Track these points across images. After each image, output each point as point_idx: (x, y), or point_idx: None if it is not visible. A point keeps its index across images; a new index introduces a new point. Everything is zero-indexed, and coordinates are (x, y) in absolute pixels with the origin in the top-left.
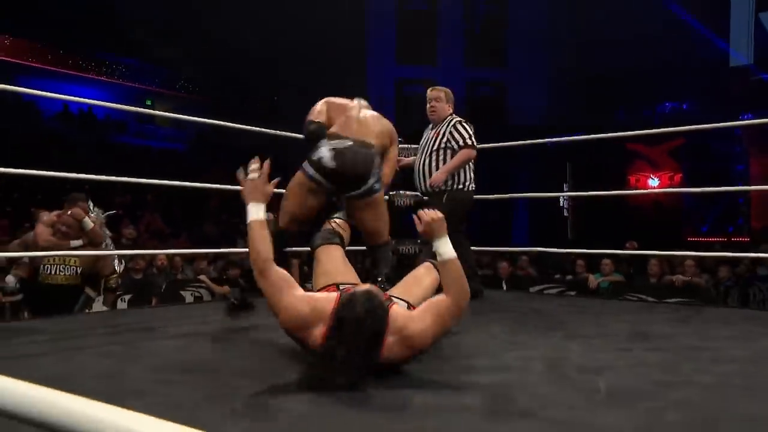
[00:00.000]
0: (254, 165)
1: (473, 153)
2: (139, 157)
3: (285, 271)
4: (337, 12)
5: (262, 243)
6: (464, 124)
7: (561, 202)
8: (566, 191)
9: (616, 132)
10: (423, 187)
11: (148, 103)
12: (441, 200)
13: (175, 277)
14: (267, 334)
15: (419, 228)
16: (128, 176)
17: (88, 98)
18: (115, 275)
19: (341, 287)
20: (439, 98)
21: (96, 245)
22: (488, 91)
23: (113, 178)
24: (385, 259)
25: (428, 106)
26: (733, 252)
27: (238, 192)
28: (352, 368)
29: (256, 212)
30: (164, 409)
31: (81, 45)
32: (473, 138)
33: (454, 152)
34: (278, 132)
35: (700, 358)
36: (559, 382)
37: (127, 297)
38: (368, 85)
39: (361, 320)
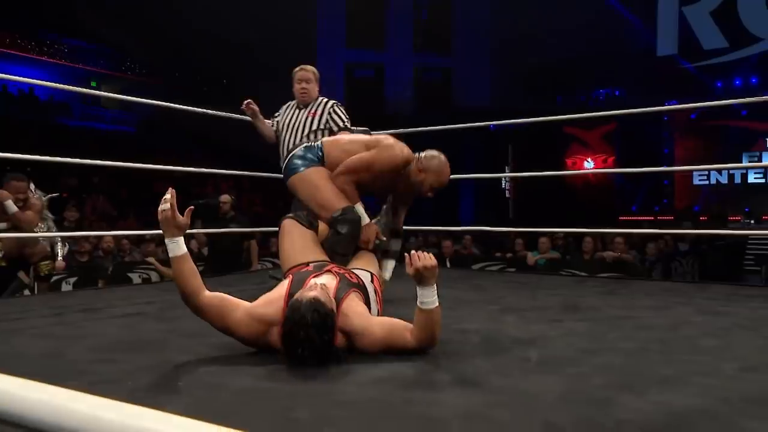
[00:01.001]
0: (166, 196)
1: None
2: (84, 140)
3: (217, 295)
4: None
5: (185, 280)
6: (341, 107)
7: (503, 184)
8: (508, 173)
9: (554, 116)
10: None
11: (93, 84)
12: None
13: (123, 260)
14: None
15: (408, 270)
16: (73, 158)
17: (30, 78)
18: (47, 261)
19: (294, 276)
20: (309, 79)
21: (23, 230)
22: (435, 77)
23: (57, 159)
24: (334, 235)
25: (298, 86)
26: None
27: (188, 174)
28: (313, 362)
29: (173, 248)
30: (104, 387)
31: (22, 24)
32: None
33: (333, 134)
34: (229, 114)
35: (623, 326)
36: (495, 352)
37: (72, 280)
38: (318, 69)
39: (307, 329)
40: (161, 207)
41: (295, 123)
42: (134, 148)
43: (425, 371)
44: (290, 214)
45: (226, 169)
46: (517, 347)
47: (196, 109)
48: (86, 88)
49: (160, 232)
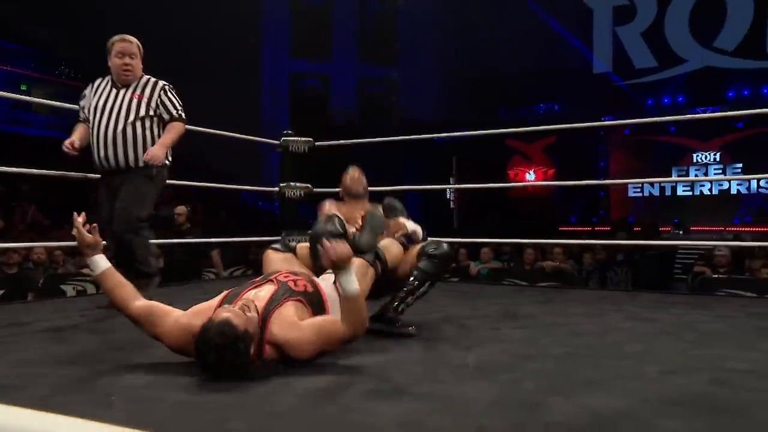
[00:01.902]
0: (76, 219)
1: (184, 127)
2: (12, 145)
3: (147, 304)
4: (231, 4)
5: (113, 294)
6: (174, 91)
7: (447, 195)
8: (452, 184)
9: (496, 129)
10: (116, 158)
11: (23, 88)
12: (148, 178)
13: (55, 272)
14: None
15: (324, 261)
16: None
17: None
18: None
19: (232, 291)
20: (133, 53)
21: None
22: (380, 88)
23: None
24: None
25: (119, 62)
26: (594, 240)
27: None
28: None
29: (93, 267)
30: (30, 402)
31: None
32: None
33: (162, 122)
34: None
35: (557, 333)
36: (433, 359)
37: None
38: (262, 78)
39: (216, 352)
40: (73, 231)
41: (113, 106)
42: (67, 154)
43: (362, 380)
44: (271, 246)
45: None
46: (454, 354)
47: None
48: (15, 92)
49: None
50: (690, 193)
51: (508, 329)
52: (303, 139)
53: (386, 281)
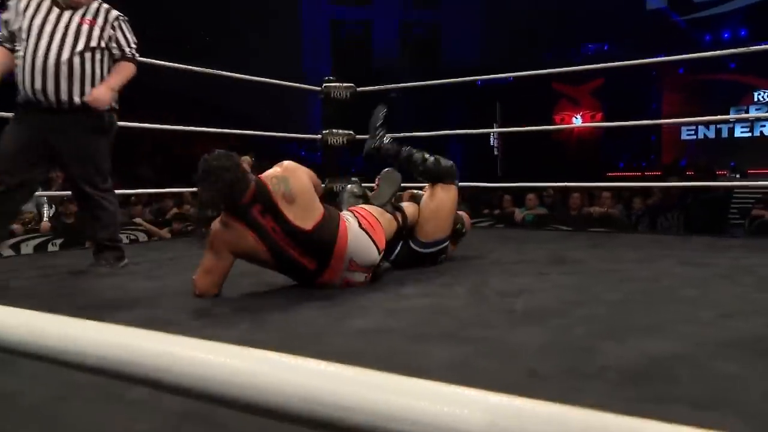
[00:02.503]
0: None
1: (135, 70)
2: None
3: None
4: None
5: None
6: (128, 24)
7: (491, 141)
8: (496, 129)
9: (541, 71)
10: (57, 94)
11: None
12: (99, 131)
13: None
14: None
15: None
16: None
17: None
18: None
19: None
20: None
21: None
22: (423, 32)
23: None
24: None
25: None
26: (644, 183)
27: (172, 133)
28: (213, 207)
29: None
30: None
31: None
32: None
33: (113, 59)
34: (215, 71)
35: (608, 279)
36: (479, 305)
37: (58, 242)
38: (302, 26)
39: (213, 170)
40: None
41: (54, 29)
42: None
43: (411, 324)
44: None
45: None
46: (502, 300)
47: (180, 65)
48: None
49: (146, 191)
50: (749, 134)
51: (557, 274)
52: (344, 84)
53: (411, 255)
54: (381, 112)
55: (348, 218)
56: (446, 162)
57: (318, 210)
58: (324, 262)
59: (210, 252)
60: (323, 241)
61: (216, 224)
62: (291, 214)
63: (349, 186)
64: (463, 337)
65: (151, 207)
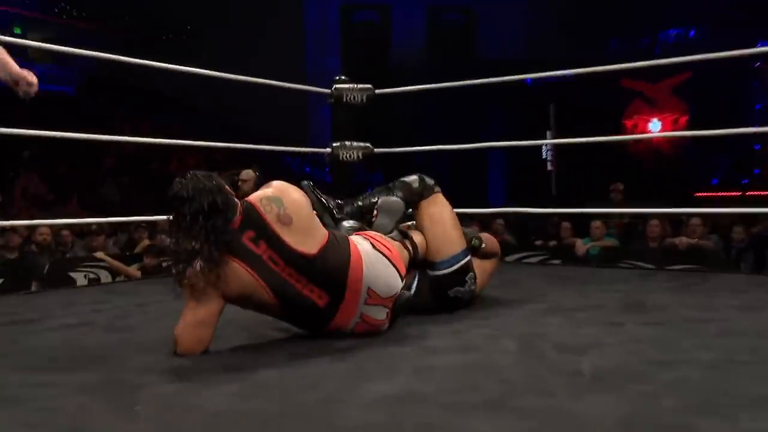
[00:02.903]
0: None
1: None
2: (8, 103)
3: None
4: None
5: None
6: None
7: (543, 153)
8: (549, 139)
9: (608, 65)
10: None
11: (17, 31)
12: None
13: (63, 255)
14: (169, 322)
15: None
16: None
17: None
18: None
19: None
20: None
21: None
22: (455, 20)
23: None
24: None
25: None
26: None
27: (142, 146)
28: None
29: None
30: (39, 415)
31: None
32: None
33: None
34: (199, 71)
35: (702, 331)
36: (535, 364)
37: None
38: (305, 14)
39: (188, 199)
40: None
41: None
42: (75, 113)
43: (448, 389)
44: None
45: (193, 139)
46: (564, 358)
47: (152, 63)
48: (7, 35)
49: (111, 219)
50: None
51: (634, 325)
52: (360, 86)
53: (433, 286)
54: (309, 192)
55: (358, 241)
56: (413, 181)
57: (320, 231)
58: (338, 295)
59: (194, 298)
60: (333, 266)
61: (196, 261)
62: (289, 238)
63: (344, 223)
64: (515, 407)
65: (116, 238)
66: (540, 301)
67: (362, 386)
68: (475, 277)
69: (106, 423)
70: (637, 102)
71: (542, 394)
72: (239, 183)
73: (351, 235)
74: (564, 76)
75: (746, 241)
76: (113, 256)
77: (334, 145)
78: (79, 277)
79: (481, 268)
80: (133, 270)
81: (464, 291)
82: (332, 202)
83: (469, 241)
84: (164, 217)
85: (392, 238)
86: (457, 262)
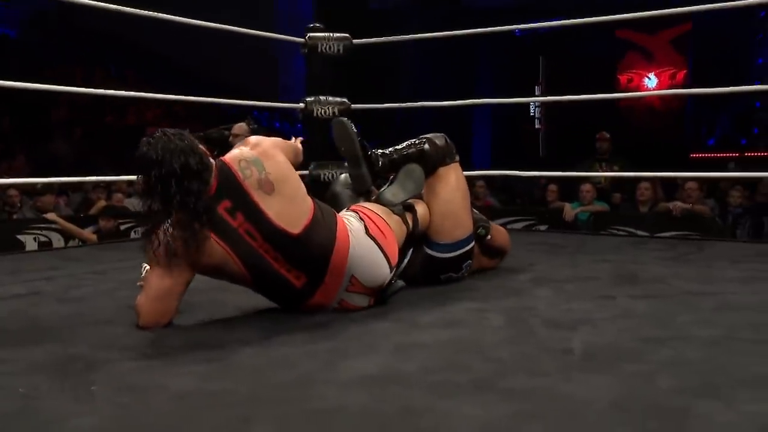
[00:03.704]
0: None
1: None
2: None
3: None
4: None
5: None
6: None
7: (532, 110)
8: (538, 95)
9: (602, 15)
10: None
11: None
12: None
13: (9, 217)
14: (127, 292)
15: None
16: None
17: None
18: None
19: None
20: None
21: None
22: None
23: None
24: None
25: None
26: (747, 171)
27: (96, 98)
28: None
29: None
30: None
31: None
32: None
33: None
34: (157, 14)
35: (699, 306)
36: (523, 340)
37: None
38: None
39: (158, 161)
40: None
41: None
42: (18, 58)
43: (429, 368)
44: None
45: (153, 91)
46: (554, 334)
47: (104, 4)
48: None
49: (63, 179)
50: None
51: (626, 298)
52: (336, 35)
53: (428, 264)
54: (351, 128)
55: (350, 219)
56: (439, 139)
57: (307, 204)
58: (316, 278)
59: (159, 267)
60: (316, 248)
61: (167, 228)
62: (271, 210)
63: (342, 177)
64: (503, 388)
65: (69, 197)
66: (528, 271)
67: (339, 365)
68: (471, 264)
69: (59, 404)
70: (631, 54)
71: (532, 373)
72: (231, 138)
73: (347, 195)
74: (554, 26)
75: (743, 207)
76: (66, 218)
77: (308, 99)
78: (29, 241)
79: (479, 262)
80: (88, 233)
81: (457, 277)
82: (372, 151)
83: (475, 228)
84: (122, 177)
85: (392, 211)
86: (459, 249)
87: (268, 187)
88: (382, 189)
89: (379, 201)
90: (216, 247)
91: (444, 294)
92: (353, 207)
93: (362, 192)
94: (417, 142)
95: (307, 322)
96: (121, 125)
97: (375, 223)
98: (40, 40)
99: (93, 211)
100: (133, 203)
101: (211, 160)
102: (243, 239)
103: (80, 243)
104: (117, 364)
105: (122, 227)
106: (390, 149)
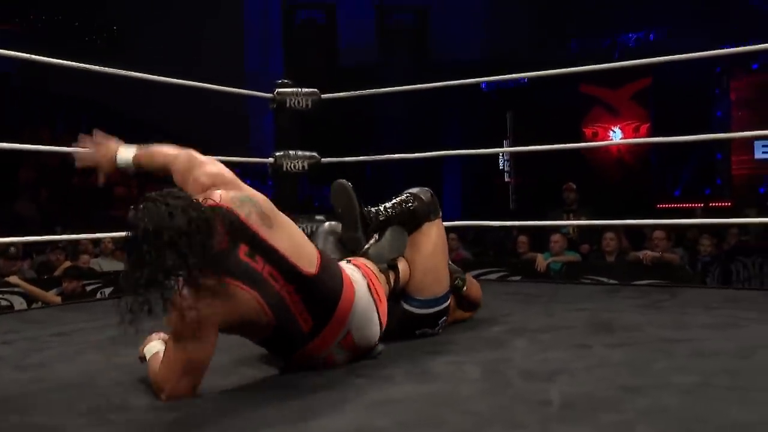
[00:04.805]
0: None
1: None
2: None
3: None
4: None
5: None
6: None
7: (500, 163)
8: (507, 148)
9: (567, 68)
10: None
11: None
12: None
13: None
14: (92, 355)
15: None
16: None
17: None
18: None
19: None
20: None
21: None
22: (406, 19)
23: None
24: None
25: None
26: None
27: (64, 158)
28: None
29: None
30: None
31: None
32: None
33: None
34: (127, 73)
35: (675, 353)
36: (500, 392)
37: None
38: (245, 14)
39: (153, 232)
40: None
41: None
42: None
43: (405, 423)
44: None
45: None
46: (531, 386)
47: (71, 63)
48: None
49: (25, 239)
50: None
51: (602, 347)
52: (305, 90)
53: (405, 320)
54: (351, 192)
55: (352, 273)
56: (425, 194)
57: (307, 240)
58: (321, 323)
59: (185, 337)
60: (329, 292)
61: (179, 293)
62: (280, 246)
63: (326, 225)
64: None
65: (32, 260)
66: (503, 322)
67: (310, 422)
68: (446, 320)
69: None
70: (596, 109)
71: (510, 426)
72: None
73: (331, 246)
74: (520, 80)
75: (711, 255)
76: (29, 281)
77: (277, 154)
78: None
79: (454, 315)
80: (52, 296)
81: (432, 332)
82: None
83: (453, 279)
84: (92, 236)
85: (379, 269)
86: (437, 306)
87: (267, 220)
88: (367, 246)
89: (366, 257)
90: (245, 296)
91: (419, 348)
92: (353, 261)
93: (355, 251)
94: (405, 200)
95: (273, 376)
96: (87, 184)
97: (374, 283)
98: (9, 102)
99: (57, 272)
100: (100, 263)
101: (210, 206)
102: (268, 283)
103: (43, 305)
104: (73, 430)
105: (88, 288)
106: (381, 208)
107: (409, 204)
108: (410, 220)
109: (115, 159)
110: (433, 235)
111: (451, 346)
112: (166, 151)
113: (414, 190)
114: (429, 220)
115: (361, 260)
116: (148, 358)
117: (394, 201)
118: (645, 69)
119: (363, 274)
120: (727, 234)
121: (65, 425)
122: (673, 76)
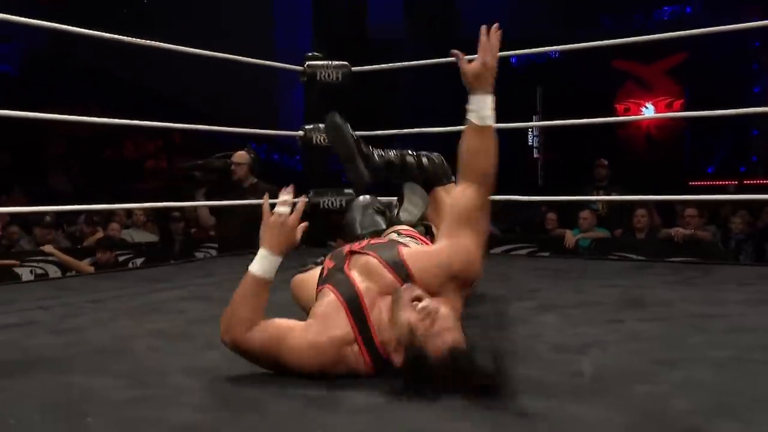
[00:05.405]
0: (285, 196)
1: None
2: None
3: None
4: None
5: (243, 305)
6: None
7: (530, 139)
8: (536, 123)
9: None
10: None
11: None
12: None
13: (7, 249)
14: (126, 321)
15: (464, 66)
16: None
17: None
18: None
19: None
20: None
21: None
22: None
23: None
24: None
25: None
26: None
27: (94, 131)
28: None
29: (267, 267)
30: None
31: None
32: None
33: None
34: (156, 44)
35: (710, 328)
36: (532, 365)
37: None
38: None
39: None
40: (280, 209)
41: None
42: (18, 95)
43: (438, 391)
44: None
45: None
46: (562, 358)
47: (102, 34)
48: None
49: (59, 208)
50: None
51: (635, 322)
52: (335, 63)
53: None
54: (343, 126)
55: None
56: (437, 157)
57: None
58: None
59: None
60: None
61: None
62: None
63: (361, 198)
64: (514, 410)
65: (65, 230)
66: (532, 298)
67: (356, 388)
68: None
69: None
70: (629, 84)
71: (540, 395)
72: (233, 167)
73: (369, 218)
74: (552, 56)
75: (745, 232)
76: (63, 250)
77: (307, 127)
78: (25, 272)
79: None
80: (86, 265)
81: None
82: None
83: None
84: (121, 206)
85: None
86: None
87: None
88: (394, 213)
89: (400, 224)
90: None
91: None
92: (402, 231)
93: (361, 190)
94: (414, 152)
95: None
96: (119, 157)
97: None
98: (39, 77)
99: (89, 243)
100: (132, 234)
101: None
102: None
103: (77, 274)
104: (113, 394)
105: (120, 258)
106: (380, 150)
107: (419, 157)
108: (420, 174)
109: (267, 252)
110: (450, 192)
111: (482, 322)
112: (245, 315)
113: (424, 152)
114: (441, 183)
115: (410, 229)
116: None
117: (408, 154)
118: (680, 43)
119: (420, 243)
120: (761, 212)
121: (102, 386)
122: (710, 51)
